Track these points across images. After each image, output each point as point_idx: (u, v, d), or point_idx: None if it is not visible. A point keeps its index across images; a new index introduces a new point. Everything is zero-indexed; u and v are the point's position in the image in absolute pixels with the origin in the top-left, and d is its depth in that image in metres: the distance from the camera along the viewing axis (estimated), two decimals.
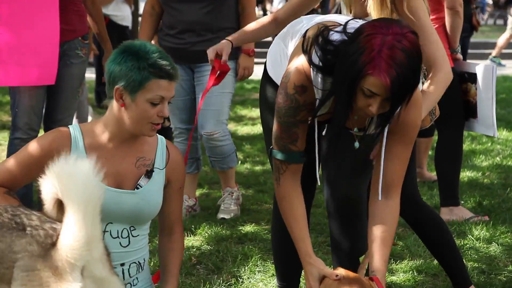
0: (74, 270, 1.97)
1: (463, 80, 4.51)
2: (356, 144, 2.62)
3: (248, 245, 4.10)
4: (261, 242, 4.12)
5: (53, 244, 1.98)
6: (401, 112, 2.45)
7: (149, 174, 2.55)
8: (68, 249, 1.95)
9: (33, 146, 2.50)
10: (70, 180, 1.95)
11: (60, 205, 2.00)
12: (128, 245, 2.51)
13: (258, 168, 5.87)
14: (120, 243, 2.50)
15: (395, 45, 2.29)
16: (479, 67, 4.40)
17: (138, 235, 2.55)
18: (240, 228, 4.36)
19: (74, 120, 5.91)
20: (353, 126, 2.61)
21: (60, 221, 2.00)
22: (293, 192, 2.62)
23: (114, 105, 2.49)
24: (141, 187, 2.53)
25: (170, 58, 2.47)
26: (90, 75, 8.67)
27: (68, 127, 2.53)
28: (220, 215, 4.52)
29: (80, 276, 1.98)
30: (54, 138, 2.51)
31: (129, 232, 2.53)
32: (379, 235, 2.56)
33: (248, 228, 4.42)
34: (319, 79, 2.51)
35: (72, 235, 1.94)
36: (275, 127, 2.64)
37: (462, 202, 4.71)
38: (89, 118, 6.72)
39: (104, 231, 2.48)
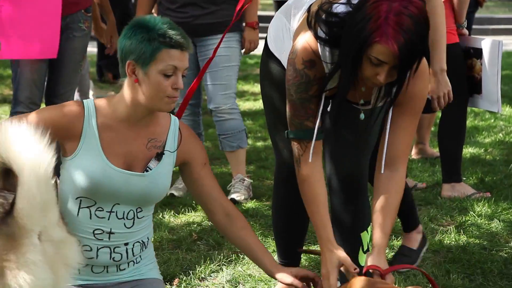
0: (31, 235, 1.99)
1: (468, 56, 4.48)
2: (362, 116, 2.60)
3: (249, 221, 4.08)
4: (262, 218, 4.12)
5: (7, 213, 1.98)
6: (408, 83, 2.43)
7: (159, 156, 2.50)
8: (24, 215, 1.95)
9: (43, 115, 2.42)
10: (17, 146, 1.94)
11: (5, 174, 1.99)
12: (132, 226, 2.50)
13: (259, 144, 5.86)
14: (124, 224, 2.49)
15: (402, 11, 2.26)
16: (485, 42, 4.36)
17: (143, 216, 2.53)
18: (241, 204, 4.36)
19: (76, 94, 5.89)
20: (359, 99, 2.60)
21: (6, 189, 1.99)
22: (314, 176, 2.59)
23: (127, 82, 2.43)
24: (151, 169, 2.48)
25: (181, 29, 2.42)
26: (92, 49, 8.63)
27: (83, 103, 2.47)
28: (231, 196, 4.45)
29: (38, 241, 2.01)
30: (67, 112, 2.45)
31: (135, 213, 2.50)
32: (381, 207, 2.55)
33: (249, 204, 4.42)
34: (327, 53, 2.49)
35: (27, 201, 1.94)
36: (288, 107, 2.60)
37: (464, 178, 4.70)
38: (90, 93, 6.69)
39: (111, 211, 2.46)
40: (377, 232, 2.54)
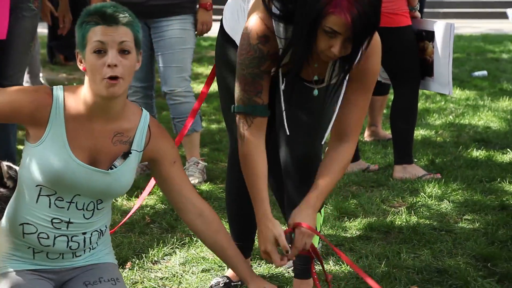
0: None
1: (421, 38, 4.53)
2: (315, 92, 2.62)
3: None
4: (216, 201, 4.12)
5: None
6: (361, 58, 2.45)
7: (125, 155, 2.44)
8: None
9: (10, 97, 2.34)
10: None
11: None
12: (91, 217, 2.46)
13: (214, 126, 5.84)
14: (84, 215, 2.44)
15: None
16: (438, 25, 4.41)
17: (103, 208, 2.50)
18: (196, 186, 4.35)
19: (26, 76, 5.78)
20: (313, 76, 2.61)
21: None
22: (257, 150, 2.59)
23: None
24: (115, 167, 2.43)
25: (119, 6, 2.34)
26: (42, 29, 8.48)
27: (52, 90, 2.38)
28: None
29: None
30: (35, 99, 2.35)
31: (95, 205, 2.45)
32: (321, 171, 2.60)
33: (203, 187, 4.41)
34: (281, 29, 2.50)
35: None
36: (238, 81, 2.60)
37: (415, 160, 4.77)
38: (40, 75, 6.58)
39: (70, 202, 2.41)
40: (311, 191, 2.58)
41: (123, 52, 2.31)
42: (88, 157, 2.40)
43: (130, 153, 2.44)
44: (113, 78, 2.29)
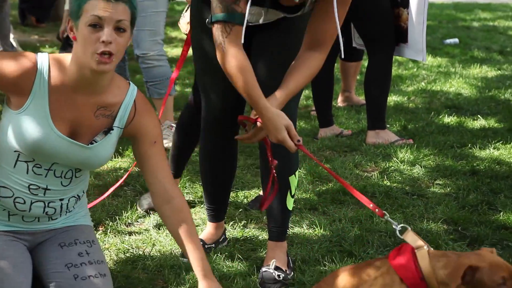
0: None
1: (395, 5, 4.53)
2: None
3: None
4: (190, 164, 4.11)
5: None
6: None
7: (107, 132, 2.41)
8: None
9: None
10: None
11: None
12: (69, 184, 2.45)
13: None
14: (61, 182, 2.42)
15: None
16: None
17: (81, 175, 2.48)
18: (169, 150, 4.33)
19: None
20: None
21: None
22: (239, 52, 2.53)
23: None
24: (96, 142, 2.40)
25: None
26: None
27: (37, 58, 2.32)
28: None
29: None
30: (18, 67, 2.29)
31: (74, 173, 2.44)
32: (290, 71, 2.62)
33: None
34: None
35: None
36: None
37: (388, 125, 4.80)
38: (11, 36, 6.47)
39: (49, 169, 2.39)
40: (279, 89, 2.60)
41: (118, 29, 2.28)
42: (69, 129, 2.36)
43: (112, 129, 2.41)
44: (105, 54, 2.24)
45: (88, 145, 2.39)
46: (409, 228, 2.10)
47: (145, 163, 2.47)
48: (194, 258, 2.41)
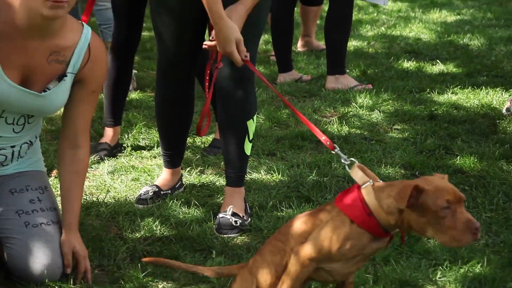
0: None
1: None
2: None
3: (132, 112, 4.01)
4: (146, 109, 4.04)
5: None
6: None
7: (60, 78, 2.32)
8: None
9: None
10: None
11: None
12: (21, 131, 2.36)
13: (144, 34, 5.64)
14: (13, 129, 2.34)
15: None
16: None
17: (34, 121, 2.40)
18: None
19: None
20: None
21: None
22: None
23: None
24: (49, 90, 2.31)
25: None
26: None
27: None
28: None
29: None
30: None
31: (26, 120, 2.36)
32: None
33: (133, 95, 4.32)
34: None
35: None
36: None
37: (348, 71, 4.76)
38: None
39: (0, 116, 2.30)
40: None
41: None
42: (20, 76, 2.27)
43: (66, 75, 2.32)
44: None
45: (41, 93, 2.31)
46: (356, 162, 2.05)
47: (73, 106, 2.41)
48: (70, 210, 2.40)
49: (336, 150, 2.22)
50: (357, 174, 2.02)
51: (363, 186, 1.99)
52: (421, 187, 1.89)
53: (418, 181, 1.93)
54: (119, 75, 3.49)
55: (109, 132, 3.53)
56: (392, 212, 1.93)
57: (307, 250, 1.99)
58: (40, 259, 2.30)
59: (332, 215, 2.00)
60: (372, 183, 1.98)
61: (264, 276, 2.07)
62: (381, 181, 2.02)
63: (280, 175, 3.23)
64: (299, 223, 2.06)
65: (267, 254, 2.09)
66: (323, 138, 2.27)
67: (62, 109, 2.48)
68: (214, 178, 3.22)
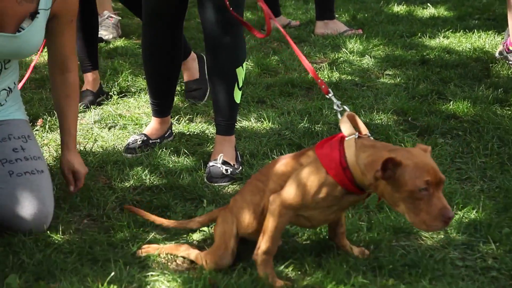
0: None
1: None
2: None
3: (118, 60, 3.92)
4: (132, 57, 3.95)
5: None
6: None
7: (32, 16, 2.26)
8: None
9: None
10: None
11: None
12: None
13: None
14: None
15: None
16: None
17: (10, 66, 2.33)
18: (110, 43, 4.15)
19: None
20: None
21: None
22: None
23: None
24: (23, 29, 2.25)
25: None
26: None
27: None
28: (99, 35, 4.21)
29: None
30: None
31: (3, 65, 2.30)
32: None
33: (118, 42, 4.22)
34: None
35: None
36: None
37: (337, 15, 4.67)
38: None
39: None
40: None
41: None
42: None
43: (38, 13, 2.26)
44: None
45: (15, 33, 2.22)
46: (347, 112, 1.99)
47: (55, 38, 2.41)
48: (66, 130, 2.46)
49: (330, 95, 2.16)
50: (345, 124, 1.96)
51: (347, 139, 1.93)
52: (397, 160, 1.82)
53: (398, 153, 1.85)
54: (85, 17, 3.37)
55: (89, 78, 3.45)
56: (365, 174, 1.87)
57: (282, 196, 1.95)
58: (26, 208, 2.25)
59: (311, 160, 1.95)
60: (356, 136, 1.92)
61: (243, 216, 2.06)
62: (370, 137, 1.96)
63: (270, 123, 3.18)
64: (280, 165, 2.03)
65: (247, 194, 2.08)
66: (319, 80, 2.21)
67: (38, 56, 2.40)
68: (203, 126, 3.16)
